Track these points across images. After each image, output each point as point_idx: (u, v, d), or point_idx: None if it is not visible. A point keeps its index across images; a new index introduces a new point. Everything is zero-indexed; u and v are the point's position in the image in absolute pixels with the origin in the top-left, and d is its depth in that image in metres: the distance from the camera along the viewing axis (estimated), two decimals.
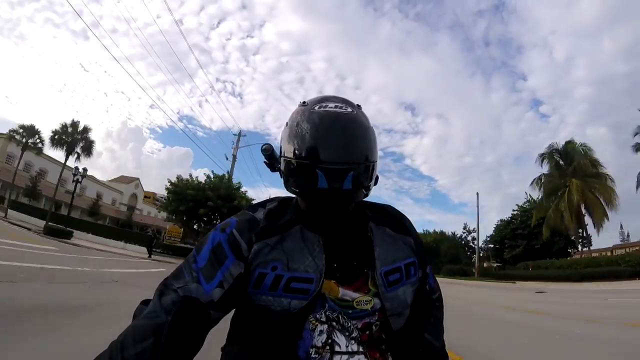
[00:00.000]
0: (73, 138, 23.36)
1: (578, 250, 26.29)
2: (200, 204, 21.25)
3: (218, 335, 0.72)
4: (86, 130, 24.06)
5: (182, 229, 26.63)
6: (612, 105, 74.41)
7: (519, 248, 31.90)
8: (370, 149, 0.65)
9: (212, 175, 23.61)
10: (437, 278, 0.87)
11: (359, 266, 0.67)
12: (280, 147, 0.70)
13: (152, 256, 19.36)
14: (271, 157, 0.71)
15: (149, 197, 60.04)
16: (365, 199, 0.72)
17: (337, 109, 0.65)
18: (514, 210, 35.24)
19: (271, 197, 0.80)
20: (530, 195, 29.64)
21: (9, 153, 36.37)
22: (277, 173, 0.72)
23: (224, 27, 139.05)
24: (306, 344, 0.60)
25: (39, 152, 27.05)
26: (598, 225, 23.37)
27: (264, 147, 0.70)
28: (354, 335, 0.62)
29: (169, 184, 23.04)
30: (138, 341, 0.55)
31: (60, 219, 23.97)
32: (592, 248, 26.35)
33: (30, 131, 24.96)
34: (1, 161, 35.60)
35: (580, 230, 25.16)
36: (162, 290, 0.62)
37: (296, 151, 0.63)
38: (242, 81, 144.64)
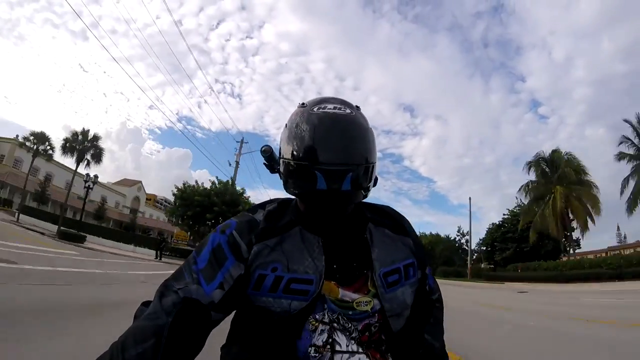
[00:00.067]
0: (83, 146, 24.44)
1: (569, 253, 27.56)
2: (206, 209, 22.43)
3: (218, 335, 0.72)
4: (96, 138, 25.22)
5: (188, 233, 27.74)
6: (611, 105, 74.41)
7: (509, 251, 33.41)
8: (369, 150, 0.65)
9: (216, 182, 24.84)
10: None
11: (358, 267, 0.67)
12: (280, 149, 0.70)
13: (162, 259, 20.53)
14: (270, 159, 0.71)
15: (150, 199, 61.06)
16: (364, 200, 0.72)
17: (336, 110, 0.65)
18: (504, 215, 36.89)
19: (270, 198, 0.79)
20: (520, 200, 31.08)
21: (17, 157, 37.40)
22: (277, 175, 0.72)
23: (223, 27, 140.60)
24: (306, 343, 0.60)
25: (49, 158, 28.07)
26: (582, 229, 24.86)
27: (263, 148, 0.70)
28: (354, 335, 0.62)
29: (176, 189, 24.23)
30: (139, 342, 0.55)
31: (72, 223, 25.02)
32: (587, 250, 27.57)
33: (41, 138, 26.01)
34: (8, 165, 36.64)
35: (566, 234, 26.57)
36: (163, 292, 0.62)
37: (295, 152, 0.64)
38: (241, 82, 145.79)
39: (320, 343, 0.60)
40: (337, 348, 0.60)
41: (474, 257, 39.36)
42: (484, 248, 39.67)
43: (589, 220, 25.41)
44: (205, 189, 24.03)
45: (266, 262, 0.63)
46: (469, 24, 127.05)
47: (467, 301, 11.81)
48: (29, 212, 28.45)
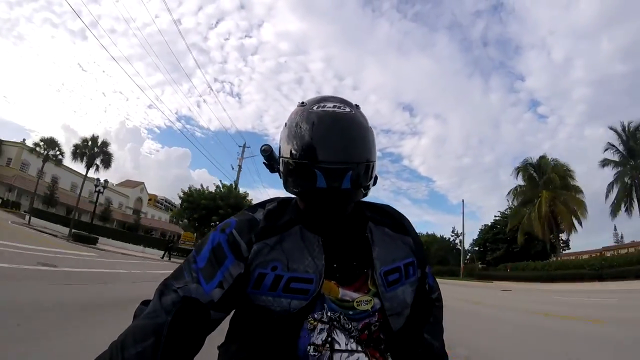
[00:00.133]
0: (93, 152, 25.59)
1: (557, 254, 28.87)
2: (212, 212, 23.65)
3: (216, 334, 0.71)
4: (105, 144, 26.34)
5: (194, 234, 28.92)
6: (610, 105, 74.57)
7: (499, 251, 35.01)
8: (369, 148, 0.65)
9: (220, 186, 26.09)
10: None
11: (358, 266, 0.67)
12: (280, 148, 0.70)
13: (170, 259, 21.72)
14: (270, 158, 0.71)
15: (150, 199, 62.06)
16: (364, 199, 0.73)
17: (336, 109, 0.65)
18: (495, 216, 38.47)
19: (270, 197, 0.79)
20: (511, 202, 32.51)
21: (24, 161, 38.48)
22: (276, 174, 0.72)
23: (222, 27, 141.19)
24: (305, 343, 0.60)
25: (58, 163, 29.17)
26: (568, 232, 26.27)
27: (263, 147, 0.70)
28: (353, 334, 0.62)
29: (182, 193, 25.45)
30: (138, 341, 0.55)
31: (82, 225, 26.13)
32: (582, 250, 28.53)
33: (51, 143, 27.10)
34: (16, 168, 37.68)
35: (552, 236, 27.97)
36: (163, 291, 0.62)
37: (295, 151, 0.63)
38: (241, 81, 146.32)
39: (319, 342, 0.60)
40: (337, 347, 0.60)
41: (468, 256, 40.87)
42: (477, 248, 41.21)
43: (576, 222, 26.88)
44: (211, 192, 25.25)
45: (266, 261, 0.63)
46: (468, 23, 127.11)
47: (448, 298, 13.03)
48: (38, 215, 29.42)
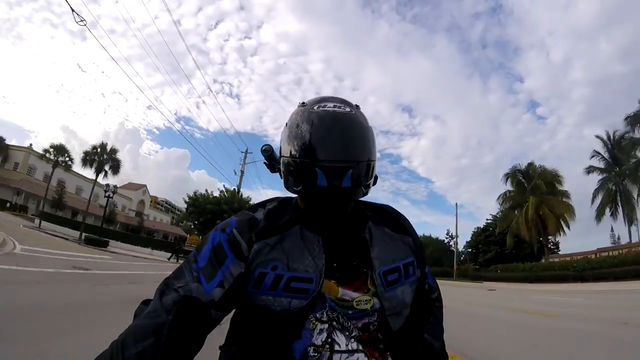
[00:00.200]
0: (102, 158, 26.80)
1: (547, 255, 30.24)
2: (216, 215, 24.85)
3: (217, 334, 0.72)
4: (114, 151, 27.55)
5: (200, 237, 30.11)
6: (609, 106, 74.22)
7: (490, 253, 36.60)
8: (369, 148, 0.66)
9: (224, 190, 27.33)
10: None
11: (358, 266, 0.67)
12: (280, 148, 0.71)
13: (178, 260, 22.91)
14: (271, 158, 0.72)
15: (151, 201, 63.08)
16: (364, 200, 0.74)
17: (336, 109, 0.66)
18: (487, 219, 40.09)
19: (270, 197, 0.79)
20: (501, 206, 33.90)
21: (30, 165, 39.56)
22: (277, 175, 0.72)
23: (221, 28, 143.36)
24: (305, 343, 0.60)
25: (68, 168, 30.32)
26: (554, 235, 27.72)
27: (263, 147, 0.71)
28: (353, 334, 0.62)
29: (188, 198, 26.70)
30: (139, 340, 0.55)
31: (91, 228, 27.25)
32: (576, 251, 29.20)
33: (60, 150, 28.26)
34: (23, 172, 38.74)
35: (542, 239, 29.40)
36: (163, 290, 0.62)
37: (296, 150, 0.64)
38: (240, 82, 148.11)
39: (319, 342, 0.61)
40: (336, 347, 0.61)
41: (462, 258, 42.34)
42: (470, 250, 42.68)
43: (564, 225, 28.27)
44: (215, 197, 26.48)
45: (266, 260, 0.64)
46: (467, 25, 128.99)
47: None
48: (47, 218, 30.19)
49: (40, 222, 27.00)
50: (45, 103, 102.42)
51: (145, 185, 58.58)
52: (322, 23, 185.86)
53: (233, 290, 0.63)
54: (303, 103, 0.72)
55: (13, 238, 12.58)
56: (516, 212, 30.03)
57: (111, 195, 24.85)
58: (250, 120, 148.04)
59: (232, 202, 25.87)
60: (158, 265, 17.53)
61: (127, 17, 55.48)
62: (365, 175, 0.65)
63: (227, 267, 0.63)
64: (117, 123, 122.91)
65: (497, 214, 37.61)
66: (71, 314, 4.50)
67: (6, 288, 5.58)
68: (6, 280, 6.17)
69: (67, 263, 10.30)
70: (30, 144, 39.04)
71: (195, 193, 26.84)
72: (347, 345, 0.62)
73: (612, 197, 26.60)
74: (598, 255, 24.45)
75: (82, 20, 10.38)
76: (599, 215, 26.53)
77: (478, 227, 41.29)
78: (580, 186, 28.20)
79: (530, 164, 30.30)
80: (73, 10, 10.02)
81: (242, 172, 30.47)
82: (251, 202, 27.80)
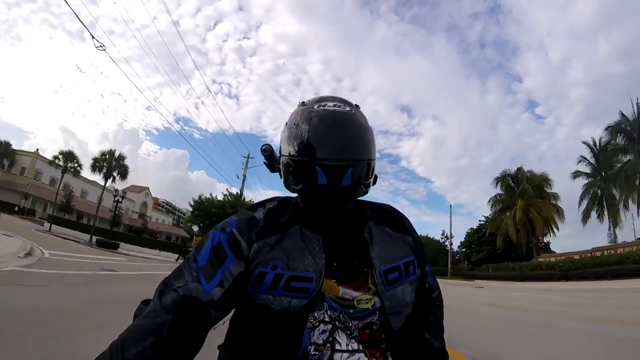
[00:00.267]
0: (111, 165, 28.06)
1: (539, 255, 31.57)
2: (221, 218, 25.51)
3: (216, 333, 0.73)
4: (122, 157, 28.83)
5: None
6: (608, 106, 73.11)
7: (483, 253, 38.18)
8: (369, 147, 0.66)
9: (228, 195, 28.67)
10: None
11: (358, 265, 0.68)
12: (280, 147, 0.71)
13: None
14: (271, 158, 0.72)
15: (153, 202, 64.16)
16: (364, 199, 0.75)
17: (336, 108, 0.66)
18: (480, 221, 41.74)
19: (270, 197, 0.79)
20: (491, 209, 35.43)
21: (37, 170, 40.62)
22: (276, 175, 0.73)
23: (220, 28, 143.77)
24: (306, 342, 0.60)
25: (77, 174, 31.51)
26: (542, 236, 29.23)
27: (263, 147, 0.71)
28: (354, 334, 0.62)
29: (193, 202, 28.02)
30: (139, 341, 0.56)
31: (99, 231, 28.35)
32: (573, 250, 29.69)
33: (69, 156, 29.46)
34: (30, 177, 39.79)
35: (534, 239, 30.89)
36: (163, 290, 0.62)
37: (296, 149, 0.64)
38: (239, 83, 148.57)
39: (320, 342, 0.61)
40: (337, 347, 0.61)
41: (457, 257, 43.86)
42: (464, 250, 44.23)
43: (553, 226, 29.78)
44: (220, 201, 27.76)
45: (266, 259, 0.64)
46: (466, 25, 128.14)
47: None
48: (55, 221, 30.93)
49: (50, 226, 27.89)
50: (44, 104, 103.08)
51: (147, 188, 59.67)
52: (321, 24, 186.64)
53: (233, 290, 0.63)
54: (303, 102, 0.72)
55: (34, 243, 13.27)
56: (507, 214, 31.55)
57: (120, 200, 26.13)
58: (249, 121, 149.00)
59: (235, 205, 27.13)
60: (169, 266, 18.64)
61: (127, 17, 56.31)
62: (365, 174, 0.66)
63: (227, 267, 0.63)
64: (116, 124, 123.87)
65: (489, 215, 39.16)
66: (130, 305, 5.74)
67: (70, 288, 6.81)
68: (61, 281, 7.39)
69: (95, 266, 11.44)
70: (37, 149, 40.37)
71: (200, 197, 28.10)
72: (347, 344, 0.62)
73: (598, 201, 27.89)
74: (593, 255, 25.38)
75: (101, 46, 11.63)
76: (585, 218, 27.98)
77: (472, 228, 43.03)
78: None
79: (519, 169, 32.05)
80: (93, 37, 11.27)
81: (245, 176, 31.78)
82: None
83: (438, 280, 0.93)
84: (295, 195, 0.74)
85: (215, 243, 0.65)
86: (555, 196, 30.59)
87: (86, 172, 31.10)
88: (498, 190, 33.49)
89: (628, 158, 24.78)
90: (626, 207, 25.16)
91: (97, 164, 27.98)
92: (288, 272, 0.63)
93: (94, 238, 24.63)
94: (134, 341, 0.56)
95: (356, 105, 0.73)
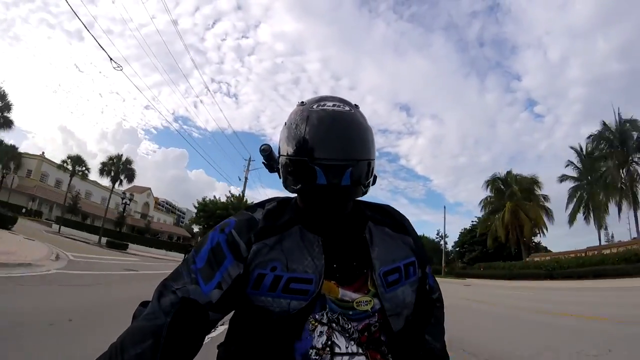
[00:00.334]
0: (118, 169, 29.34)
1: (531, 254, 32.71)
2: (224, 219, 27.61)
3: (216, 333, 0.84)
4: (129, 161, 30.11)
5: None
6: (607, 104, 76.37)
7: (475, 252, 39.72)
8: (368, 147, 0.66)
9: (231, 196, 30.08)
10: None
11: (358, 266, 0.67)
12: (279, 147, 0.71)
13: None
14: (270, 158, 0.72)
15: (154, 202, 65.25)
16: (364, 199, 0.75)
17: (336, 108, 0.66)
18: (472, 221, 43.24)
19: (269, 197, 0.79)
20: (481, 211, 36.99)
21: (43, 172, 41.72)
22: (276, 175, 0.73)
23: (219, 27, 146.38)
24: (305, 345, 0.60)
25: (84, 178, 32.72)
26: (529, 237, 30.72)
27: (262, 147, 0.71)
28: (354, 336, 0.62)
29: (197, 203, 29.44)
30: (137, 342, 0.56)
31: (109, 232, 29.48)
32: (569, 249, 30.53)
33: (77, 160, 30.60)
34: (36, 179, 40.85)
35: (525, 239, 32.32)
36: (161, 292, 0.62)
37: (295, 149, 0.64)
38: (237, 82, 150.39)
39: (319, 345, 0.60)
40: (337, 350, 0.60)
41: (451, 256, 45.41)
42: (457, 249, 45.81)
43: (542, 227, 31.24)
44: (223, 203, 29.15)
45: (265, 261, 0.63)
46: (464, 24, 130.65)
47: None
48: (64, 223, 31.72)
49: (59, 228, 28.58)
50: (42, 103, 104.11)
51: (149, 188, 60.81)
52: (319, 22, 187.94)
53: (231, 292, 0.63)
54: (302, 102, 0.72)
55: (52, 245, 13.92)
56: (497, 215, 33.08)
57: (128, 202, 27.32)
58: (247, 120, 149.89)
59: (238, 207, 28.48)
60: (175, 265, 19.87)
61: (126, 17, 57.06)
62: (364, 174, 0.66)
63: (226, 268, 0.63)
64: (114, 123, 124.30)
65: (482, 216, 40.54)
66: None
67: (111, 286, 7.98)
68: (97, 281, 8.57)
69: (118, 266, 12.59)
70: (43, 152, 41.40)
71: (204, 199, 29.52)
72: (347, 347, 0.61)
73: (585, 204, 29.16)
74: (577, 255, 26.33)
75: (118, 66, 12.81)
76: (571, 220, 29.38)
77: (465, 228, 44.64)
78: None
79: (509, 172, 33.63)
80: (111, 59, 12.46)
81: (246, 178, 33.08)
82: None
83: None
84: (294, 195, 0.75)
85: (214, 244, 0.65)
86: (546, 198, 32.13)
87: (95, 176, 32.33)
88: (488, 193, 35.16)
89: (609, 164, 26.14)
90: (606, 211, 26.45)
91: (105, 168, 29.19)
92: (287, 274, 0.63)
93: (104, 239, 25.73)
94: (133, 343, 0.56)
95: (356, 105, 0.73)
